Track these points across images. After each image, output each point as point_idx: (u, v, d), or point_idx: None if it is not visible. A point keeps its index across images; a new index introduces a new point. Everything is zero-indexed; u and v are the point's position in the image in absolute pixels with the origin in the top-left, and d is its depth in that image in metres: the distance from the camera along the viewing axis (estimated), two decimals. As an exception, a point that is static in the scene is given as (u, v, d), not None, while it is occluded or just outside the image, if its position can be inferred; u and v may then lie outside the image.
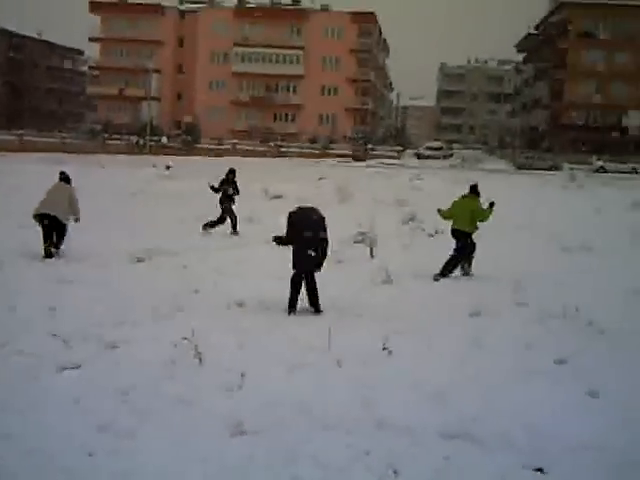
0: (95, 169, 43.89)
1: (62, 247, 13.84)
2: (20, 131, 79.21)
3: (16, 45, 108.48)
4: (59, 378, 6.66)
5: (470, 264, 12.65)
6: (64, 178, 14.50)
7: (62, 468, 4.76)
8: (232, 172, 18.73)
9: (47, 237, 13.66)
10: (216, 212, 18.06)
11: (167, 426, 5.50)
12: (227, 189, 18.10)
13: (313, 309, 9.65)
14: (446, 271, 12.25)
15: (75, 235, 14.39)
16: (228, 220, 17.82)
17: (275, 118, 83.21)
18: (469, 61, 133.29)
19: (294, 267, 9.82)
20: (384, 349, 7.55)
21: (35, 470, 4.73)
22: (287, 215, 9.97)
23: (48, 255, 13.38)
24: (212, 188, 18.41)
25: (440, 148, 76.25)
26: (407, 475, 4.88)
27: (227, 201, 17.99)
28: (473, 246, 12.66)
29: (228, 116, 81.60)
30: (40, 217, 13.68)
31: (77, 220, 14.05)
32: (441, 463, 5.01)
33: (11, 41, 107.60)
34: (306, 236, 9.63)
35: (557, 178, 42.28)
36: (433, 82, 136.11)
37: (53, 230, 13.77)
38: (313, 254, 9.62)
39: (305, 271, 9.78)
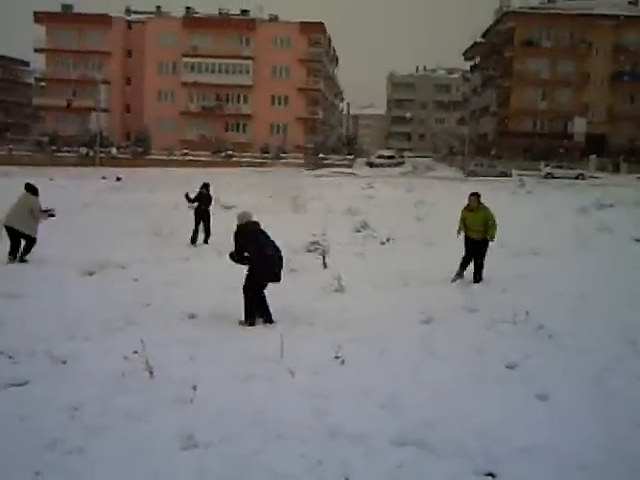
0: (44, 181, 43.22)
1: (26, 257, 14.15)
2: (-36, 144, 77.75)
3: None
4: (5, 395, 6.51)
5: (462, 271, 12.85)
6: (29, 189, 14.61)
7: (8, 488, 4.65)
8: (206, 186, 18.86)
9: (13, 248, 14.06)
10: (169, 223, 17.94)
11: (117, 441, 5.41)
12: (204, 203, 18.34)
13: (265, 319, 9.61)
14: (480, 276, 12.64)
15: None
16: (192, 231, 18.17)
17: (226, 128, 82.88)
18: (417, 70, 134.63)
19: (253, 278, 9.75)
20: (337, 358, 7.54)
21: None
22: (236, 229, 10.00)
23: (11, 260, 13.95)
24: (187, 198, 18.54)
25: (391, 157, 76.74)
26: (361, 483, 4.87)
27: (205, 214, 18.33)
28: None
29: (178, 126, 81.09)
30: (5, 228, 14.03)
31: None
32: (394, 471, 5.02)
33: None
34: (266, 250, 9.70)
35: (507, 185, 42.85)
36: (383, 91, 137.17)
37: (18, 241, 14.08)
38: (277, 270, 9.69)
39: (265, 283, 9.78)
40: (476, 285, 12.30)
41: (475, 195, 13.14)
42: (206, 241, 18.15)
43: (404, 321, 9.44)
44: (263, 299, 9.75)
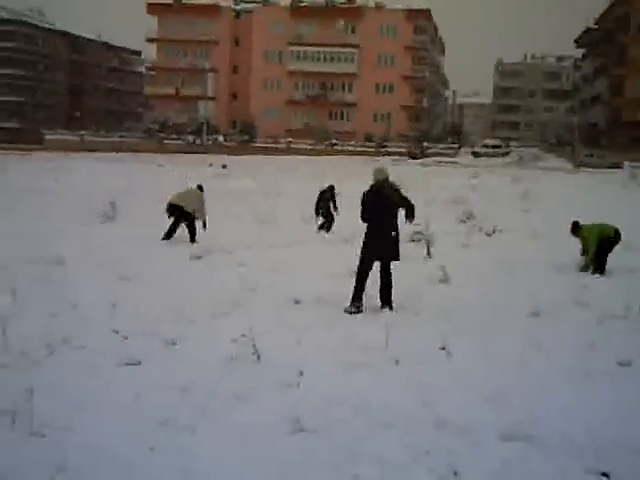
0: (153, 168, 44.60)
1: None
2: (81, 131, 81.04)
3: (77, 47, 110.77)
4: (120, 373, 6.75)
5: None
6: (201, 189, 16.20)
7: (123, 462, 4.81)
8: (332, 188, 19.02)
9: (173, 229, 15.50)
10: (273, 209, 18.16)
11: (226, 423, 5.53)
12: (328, 206, 18.57)
13: (385, 306, 9.50)
14: (603, 268, 12.40)
15: (132, 230, 14.65)
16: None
17: (330, 116, 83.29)
18: (526, 57, 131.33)
19: (365, 254, 9.66)
20: (442, 349, 7.48)
21: (96, 464, 4.79)
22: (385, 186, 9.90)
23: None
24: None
25: (497, 146, 75.29)
26: (467, 476, 4.81)
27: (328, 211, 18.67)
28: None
29: (283, 115, 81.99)
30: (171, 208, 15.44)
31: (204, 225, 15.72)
32: (501, 465, 4.93)
33: (72, 43, 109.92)
34: (379, 217, 9.58)
35: (617, 176, 41.42)
36: (489, 79, 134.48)
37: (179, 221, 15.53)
38: (393, 233, 9.60)
39: (377, 258, 9.65)
40: (588, 278, 11.93)
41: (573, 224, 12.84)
42: (328, 229, 18.31)
43: (511, 313, 9.26)
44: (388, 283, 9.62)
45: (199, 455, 4.97)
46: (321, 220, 18.51)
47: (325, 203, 18.49)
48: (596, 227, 12.69)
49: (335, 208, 18.68)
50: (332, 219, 18.55)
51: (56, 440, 5.14)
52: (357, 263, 9.74)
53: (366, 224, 9.73)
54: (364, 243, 9.73)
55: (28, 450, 4.95)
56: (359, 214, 9.77)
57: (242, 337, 7.76)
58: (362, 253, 9.70)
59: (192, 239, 15.30)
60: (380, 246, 9.60)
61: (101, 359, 7.09)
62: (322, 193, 18.79)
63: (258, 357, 7.05)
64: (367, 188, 9.86)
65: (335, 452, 5.05)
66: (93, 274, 11.55)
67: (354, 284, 9.56)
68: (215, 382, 6.41)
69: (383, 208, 9.63)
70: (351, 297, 9.50)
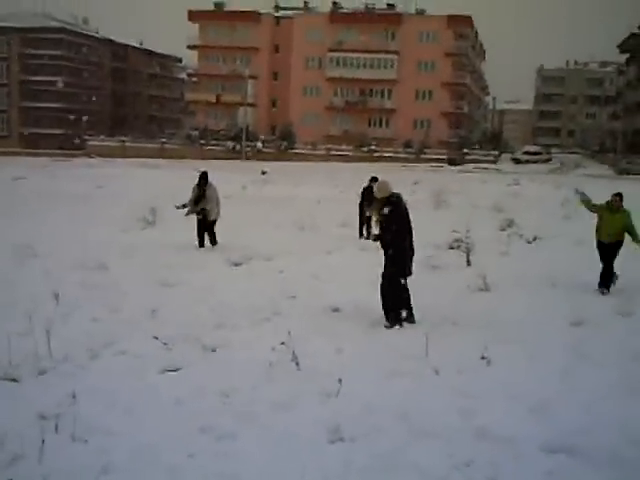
0: (192, 174, 44.94)
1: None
2: (123, 137, 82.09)
3: (120, 54, 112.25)
4: (161, 379, 6.81)
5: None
6: (207, 177, 15.92)
7: (166, 467, 4.85)
8: (374, 180, 19.00)
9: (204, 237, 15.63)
10: (313, 217, 18.17)
11: (267, 430, 5.54)
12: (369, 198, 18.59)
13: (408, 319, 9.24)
14: (610, 283, 11.81)
15: (173, 237, 14.79)
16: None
17: (369, 123, 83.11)
18: (568, 63, 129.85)
19: (397, 268, 9.36)
20: (483, 358, 7.41)
21: (141, 467, 4.84)
22: (389, 200, 9.40)
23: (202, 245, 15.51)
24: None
25: (538, 153, 74.55)
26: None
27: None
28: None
29: (322, 121, 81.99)
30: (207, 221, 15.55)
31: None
32: (544, 478, 4.86)
33: (115, 51, 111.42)
34: (411, 232, 9.45)
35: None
36: (531, 85, 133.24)
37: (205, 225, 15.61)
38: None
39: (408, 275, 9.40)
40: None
41: (619, 196, 12.37)
42: (367, 236, 18.32)
43: (553, 323, 9.15)
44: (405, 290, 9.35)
45: (240, 462, 4.98)
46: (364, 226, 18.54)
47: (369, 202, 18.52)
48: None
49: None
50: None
51: (98, 445, 5.20)
52: (386, 283, 9.37)
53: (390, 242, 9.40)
54: (394, 261, 9.35)
55: (71, 454, 5.02)
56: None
57: (281, 345, 7.81)
58: (394, 273, 9.35)
59: (213, 241, 15.64)
60: (409, 263, 9.45)
61: (142, 365, 7.16)
62: (365, 190, 18.76)
63: (297, 364, 7.06)
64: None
65: (374, 461, 5.03)
66: (134, 280, 11.67)
67: (391, 304, 9.22)
68: (255, 389, 6.44)
69: (406, 223, 9.43)
70: (390, 316, 9.17)
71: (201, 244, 15.56)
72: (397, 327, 8.96)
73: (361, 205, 18.57)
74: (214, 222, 15.75)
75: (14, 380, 6.54)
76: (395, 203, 9.39)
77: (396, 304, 9.20)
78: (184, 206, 15.69)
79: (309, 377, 6.75)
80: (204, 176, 15.87)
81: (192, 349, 7.78)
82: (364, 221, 18.61)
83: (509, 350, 7.78)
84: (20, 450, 4.95)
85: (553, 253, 15.33)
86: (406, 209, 9.47)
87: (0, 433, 5.10)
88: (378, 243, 9.64)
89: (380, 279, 9.49)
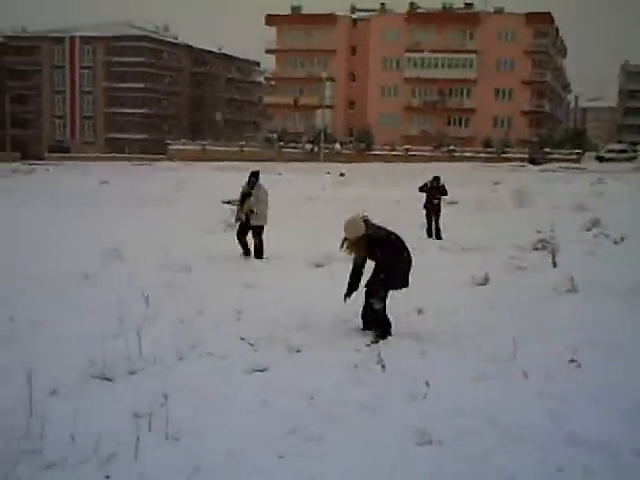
0: (272, 176, 45.38)
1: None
2: (202, 141, 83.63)
3: (199, 60, 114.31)
4: (247, 380, 6.89)
5: None
6: (258, 177, 14.99)
7: (255, 469, 4.91)
8: (436, 179, 19.00)
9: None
10: (392, 218, 18.08)
11: (354, 432, 5.54)
12: (434, 194, 18.75)
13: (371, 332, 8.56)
14: None
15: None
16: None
17: (448, 123, 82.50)
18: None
19: (387, 282, 8.61)
20: (572, 361, 7.24)
21: (230, 469, 4.90)
22: (364, 241, 8.62)
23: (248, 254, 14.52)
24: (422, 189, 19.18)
25: (623, 150, 72.48)
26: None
27: (433, 207, 18.64)
28: None
29: (400, 122, 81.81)
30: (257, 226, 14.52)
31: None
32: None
33: (195, 56, 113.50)
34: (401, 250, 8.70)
35: None
36: (614, 82, 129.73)
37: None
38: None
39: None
40: None
41: None
42: (438, 236, 18.28)
43: (645, 326, 8.88)
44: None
45: (327, 464, 5.00)
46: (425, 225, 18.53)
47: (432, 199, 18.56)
48: None
49: (439, 205, 18.56)
50: (437, 220, 18.47)
51: (189, 444, 5.30)
52: (375, 299, 8.61)
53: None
54: (387, 276, 8.59)
55: (164, 453, 5.13)
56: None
57: (367, 346, 7.82)
58: (385, 285, 8.64)
59: (259, 252, 14.60)
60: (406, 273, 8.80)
61: (229, 365, 7.26)
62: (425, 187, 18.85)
63: (383, 366, 7.04)
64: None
65: (464, 465, 4.98)
66: (218, 281, 11.86)
67: (383, 317, 8.61)
68: (341, 391, 6.44)
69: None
70: (380, 330, 8.51)
71: (246, 252, 14.56)
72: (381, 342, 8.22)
73: (425, 205, 18.61)
74: (261, 228, 14.62)
75: (108, 379, 6.73)
76: (380, 242, 8.60)
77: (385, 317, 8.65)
78: (229, 202, 15.01)
79: (395, 379, 6.73)
80: (254, 175, 14.86)
81: (277, 349, 7.85)
82: (431, 220, 18.59)
83: (599, 353, 7.59)
84: (116, 448, 5.08)
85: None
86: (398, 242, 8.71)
87: (97, 430, 5.24)
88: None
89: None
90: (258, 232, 14.63)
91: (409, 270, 8.75)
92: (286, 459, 5.10)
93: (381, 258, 8.58)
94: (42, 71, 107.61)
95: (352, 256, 8.90)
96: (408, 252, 8.77)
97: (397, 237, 8.81)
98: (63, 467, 4.93)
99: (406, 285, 8.76)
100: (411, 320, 9.33)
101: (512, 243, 15.84)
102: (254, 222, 14.55)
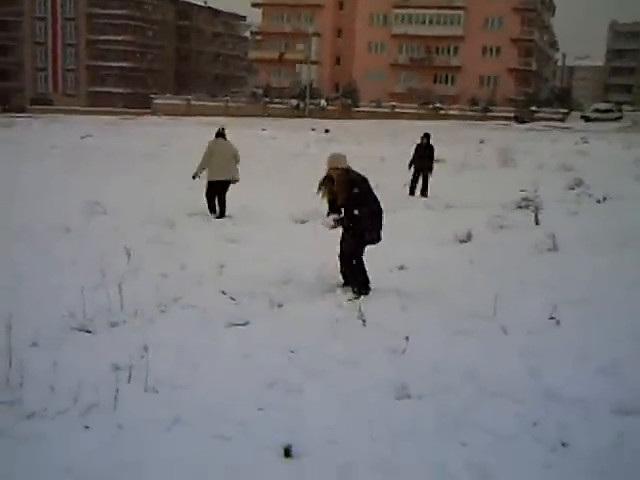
0: (257, 132, 45.08)
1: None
2: (187, 96, 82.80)
3: (184, 13, 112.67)
4: (228, 333, 6.90)
5: None
6: (223, 135, 14.62)
7: (235, 421, 4.93)
8: (427, 136, 18.88)
9: (213, 199, 14.19)
10: (377, 175, 18.05)
11: (334, 386, 5.58)
12: (422, 155, 18.55)
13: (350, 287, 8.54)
14: None
15: (239, 195, 14.88)
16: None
17: (435, 80, 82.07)
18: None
19: (362, 239, 8.56)
20: (551, 318, 7.30)
21: (210, 421, 4.92)
22: (341, 177, 8.47)
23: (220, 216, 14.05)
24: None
25: (609, 110, 72.48)
26: (578, 449, 4.70)
27: (423, 164, 18.48)
28: None
29: (387, 79, 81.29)
30: (218, 183, 14.09)
31: (236, 181, 14.43)
32: (615, 439, 4.78)
33: (179, 9, 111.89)
34: (377, 205, 8.56)
35: None
36: (602, 41, 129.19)
37: (220, 192, 14.28)
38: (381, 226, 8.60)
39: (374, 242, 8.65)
40: None
41: None
42: (424, 194, 18.27)
43: (625, 284, 8.92)
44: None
45: (307, 417, 5.04)
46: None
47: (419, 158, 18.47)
48: None
49: (430, 163, 18.53)
50: (427, 177, 18.41)
51: (169, 396, 5.32)
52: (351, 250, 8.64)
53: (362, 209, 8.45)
54: (364, 230, 8.49)
55: (144, 404, 5.15)
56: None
57: (348, 302, 7.85)
58: (363, 241, 8.60)
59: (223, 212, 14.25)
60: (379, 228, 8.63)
61: (210, 319, 7.28)
62: (418, 147, 18.76)
63: (364, 321, 7.08)
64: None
65: (442, 419, 5.03)
66: (202, 236, 11.83)
67: (361, 273, 8.60)
68: (321, 345, 6.47)
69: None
70: (359, 286, 8.48)
71: (212, 209, 14.14)
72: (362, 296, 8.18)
73: (411, 162, 18.54)
74: (223, 184, 14.19)
75: (88, 331, 6.72)
76: (360, 183, 8.45)
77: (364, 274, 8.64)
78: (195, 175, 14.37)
79: (375, 334, 6.76)
80: (218, 133, 14.55)
81: (259, 304, 7.86)
82: (416, 179, 18.54)
83: (578, 310, 7.63)
84: (96, 399, 5.10)
85: (624, 213, 14.94)
86: (367, 182, 8.55)
87: (77, 381, 5.24)
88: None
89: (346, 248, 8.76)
90: (216, 189, 14.22)
91: (381, 222, 8.61)
92: (265, 411, 5.13)
93: (357, 200, 8.38)
94: (23, 22, 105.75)
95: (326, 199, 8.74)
96: (379, 203, 8.63)
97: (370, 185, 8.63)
98: (43, 417, 4.94)
99: (379, 239, 8.63)
100: (393, 276, 9.37)
101: (496, 201, 15.86)
102: (210, 177, 14.14)
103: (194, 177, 14.40)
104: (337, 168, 8.54)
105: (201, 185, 14.46)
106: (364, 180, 8.53)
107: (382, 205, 8.65)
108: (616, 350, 6.40)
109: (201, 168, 14.26)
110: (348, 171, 8.57)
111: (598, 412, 5.20)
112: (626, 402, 5.30)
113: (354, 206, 8.44)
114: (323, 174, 8.72)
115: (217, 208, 14.23)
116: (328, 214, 8.81)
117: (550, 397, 5.42)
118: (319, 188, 8.75)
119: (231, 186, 14.39)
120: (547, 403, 5.32)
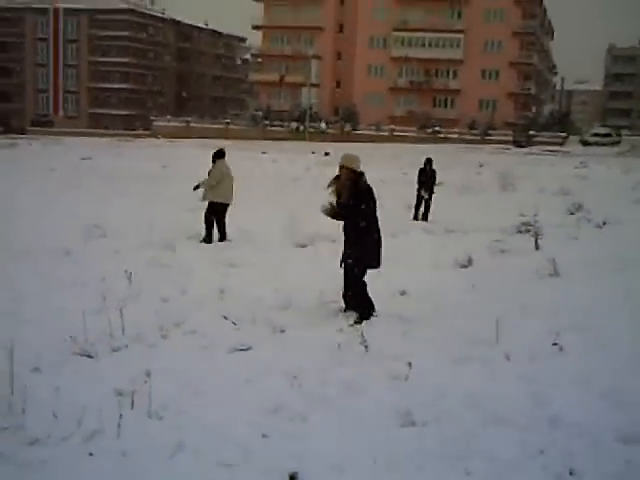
0: (257, 155, 45.22)
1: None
2: (187, 118, 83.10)
3: (185, 35, 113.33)
4: (231, 359, 6.89)
5: None
6: (223, 155, 14.63)
7: (240, 448, 4.91)
8: (429, 161, 19.03)
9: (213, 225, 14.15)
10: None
11: (337, 412, 5.56)
12: (426, 180, 18.69)
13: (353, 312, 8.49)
14: None
15: (239, 218, 14.90)
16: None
17: (434, 104, 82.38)
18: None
19: (363, 262, 8.61)
20: (554, 344, 7.28)
21: (214, 448, 4.90)
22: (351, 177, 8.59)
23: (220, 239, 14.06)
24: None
25: (607, 134, 72.79)
26: (585, 476, 4.68)
27: (427, 191, 18.61)
28: None
29: (386, 102, 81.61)
30: (221, 205, 14.11)
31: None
32: (622, 467, 4.77)
33: (180, 31, 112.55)
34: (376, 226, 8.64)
35: None
36: (600, 65, 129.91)
37: (220, 216, 14.26)
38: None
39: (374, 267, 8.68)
40: None
41: None
42: (425, 217, 18.37)
43: (627, 310, 8.92)
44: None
45: (311, 443, 5.01)
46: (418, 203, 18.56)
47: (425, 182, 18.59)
48: None
49: (431, 187, 18.60)
50: (428, 201, 18.50)
51: (173, 422, 5.29)
52: (352, 275, 8.66)
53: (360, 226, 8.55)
54: (365, 252, 8.54)
55: (147, 431, 5.13)
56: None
57: (349, 326, 7.84)
58: (363, 265, 8.63)
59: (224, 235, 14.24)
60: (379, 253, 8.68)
61: (212, 344, 7.26)
62: (421, 173, 18.87)
63: (366, 347, 7.06)
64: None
65: (446, 447, 5.01)
66: (202, 260, 11.84)
67: (364, 297, 8.63)
68: (324, 371, 6.46)
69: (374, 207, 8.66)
70: (361, 311, 8.49)
71: (209, 236, 13.98)
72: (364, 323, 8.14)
73: (419, 187, 18.64)
74: (218, 206, 14.10)
75: (90, 356, 6.71)
76: (364, 185, 8.58)
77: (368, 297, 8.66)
78: (198, 187, 14.47)
79: (378, 360, 6.74)
80: (215, 154, 14.57)
81: (261, 329, 7.87)
82: (420, 203, 18.64)
83: (581, 337, 7.61)
84: (99, 425, 5.07)
85: (624, 238, 14.96)
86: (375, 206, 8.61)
87: (79, 407, 5.22)
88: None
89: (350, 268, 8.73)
90: (214, 210, 14.14)
91: (380, 250, 8.64)
92: (270, 438, 5.11)
93: (358, 199, 8.47)
94: (24, 43, 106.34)
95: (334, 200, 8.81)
96: (379, 232, 8.68)
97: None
98: (46, 444, 4.92)
99: (379, 264, 8.65)
100: (394, 301, 9.36)
101: (496, 226, 15.90)
102: (207, 198, 14.17)
103: (195, 189, 14.49)
104: (347, 167, 8.66)
105: (201, 206, 14.48)
106: (369, 189, 8.62)
107: (382, 229, 8.72)
108: (619, 376, 6.38)
109: (206, 186, 14.26)
110: (356, 172, 8.66)
111: (603, 439, 5.18)
112: (630, 429, 5.28)
113: (355, 205, 8.52)
114: (331, 181, 8.86)
115: (214, 235, 14.18)
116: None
117: (555, 425, 5.40)
118: (329, 185, 8.87)
119: (230, 209, 14.45)
120: (552, 430, 5.30)
